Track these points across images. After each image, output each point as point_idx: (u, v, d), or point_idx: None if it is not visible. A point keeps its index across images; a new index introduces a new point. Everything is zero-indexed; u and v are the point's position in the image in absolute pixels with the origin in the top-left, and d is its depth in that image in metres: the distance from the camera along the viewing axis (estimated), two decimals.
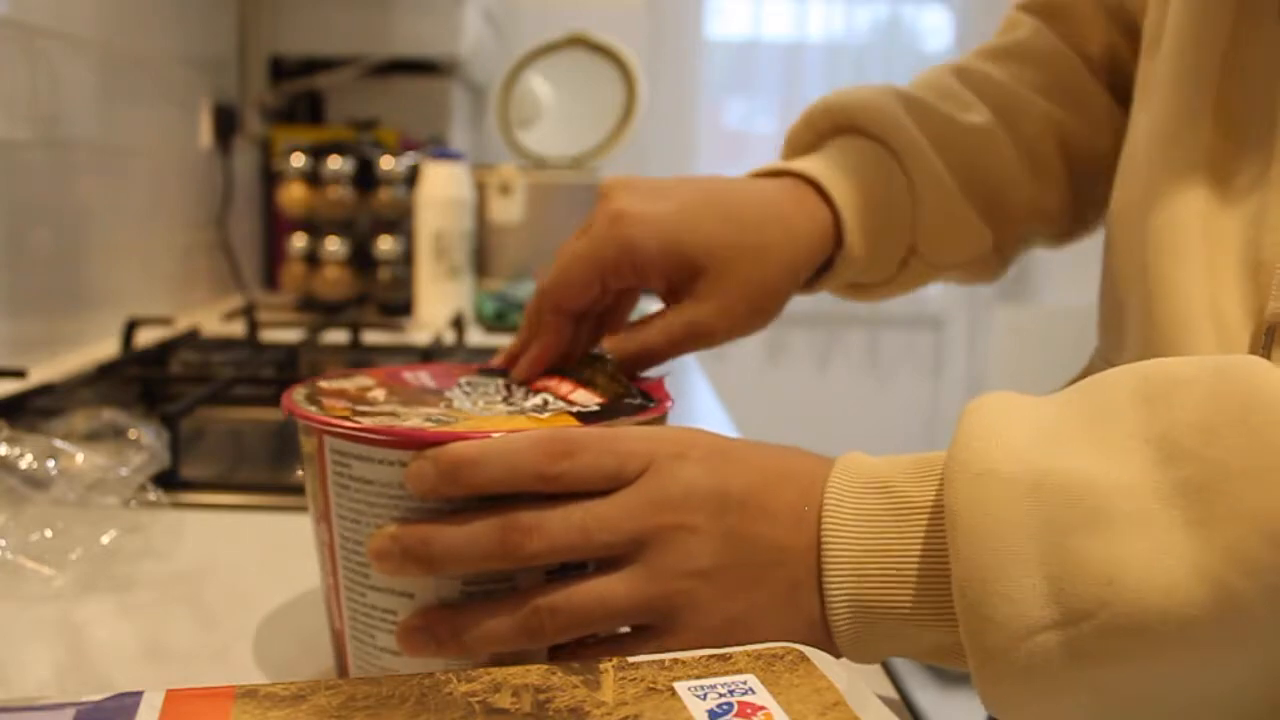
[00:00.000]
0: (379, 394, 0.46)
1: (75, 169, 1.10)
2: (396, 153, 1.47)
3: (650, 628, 0.39)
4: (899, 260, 0.60)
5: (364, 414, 0.42)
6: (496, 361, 0.53)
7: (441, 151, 1.40)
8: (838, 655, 0.40)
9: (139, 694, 0.30)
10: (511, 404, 0.46)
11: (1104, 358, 0.55)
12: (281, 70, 1.69)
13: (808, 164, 0.57)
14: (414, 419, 0.41)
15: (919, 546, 0.38)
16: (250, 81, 1.65)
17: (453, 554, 0.38)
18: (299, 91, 1.71)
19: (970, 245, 0.62)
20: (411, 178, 1.45)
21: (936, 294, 2.74)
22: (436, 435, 0.39)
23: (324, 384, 0.47)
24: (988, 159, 0.61)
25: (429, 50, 1.70)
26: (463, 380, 0.50)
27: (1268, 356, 0.42)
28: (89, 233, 1.13)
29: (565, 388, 0.49)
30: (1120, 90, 0.65)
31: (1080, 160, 0.65)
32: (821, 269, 0.57)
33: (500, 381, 0.51)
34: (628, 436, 0.40)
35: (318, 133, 1.62)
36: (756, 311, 0.54)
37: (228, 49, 1.60)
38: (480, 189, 1.57)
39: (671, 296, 0.53)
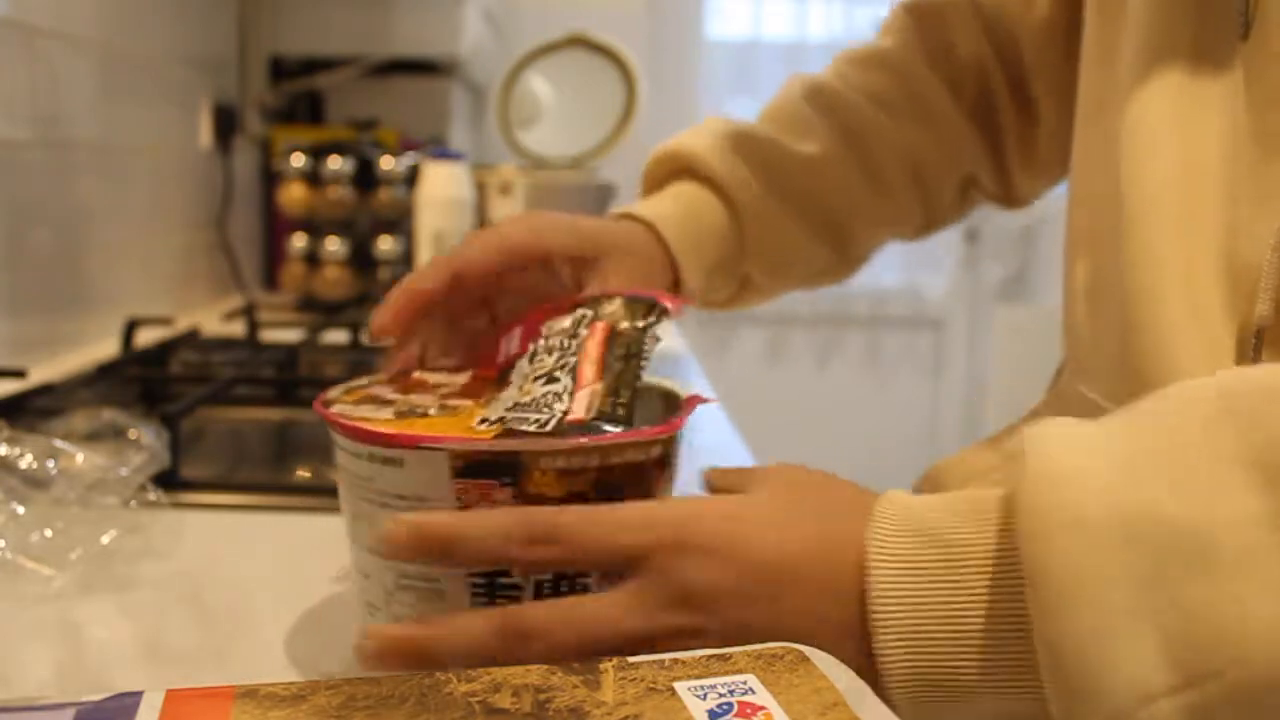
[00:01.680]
0: (437, 380, 0.49)
1: (75, 169, 1.10)
2: (396, 153, 1.47)
3: None
4: (737, 283, 0.67)
5: (371, 401, 0.44)
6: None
7: (441, 151, 1.40)
8: None
9: (139, 694, 0.30)
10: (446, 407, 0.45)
11: (1074, 369, 0.55)
12: (281, 70, 1.69)
13: (643, 208, 0.63)
14: (385, 412, 0.42)
15: (984, 606, 0.34)
16: (250, 81, 1.65)
17: (452, 652, 0.37)
18: (299, 91, 1.71)
19: (804, 265, 0.68)
20: (411, 178, 1.45)
21: (936, 294, 2.74)
22: (358, 429, 0.39)
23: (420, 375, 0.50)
24: (822, 185, 0.66)
25: (429, 50, 1.70)
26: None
27: (1257, 359, 0.42)
28: (89, 233, 1.13)
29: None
30: (979, 101, 0.69)
31: (929, 174, 0.69)
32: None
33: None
34: (620, 524, 0.37)
35: (318, 133, 1.62)
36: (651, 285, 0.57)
37: (228, 49, 1.60)
38: (480, 189, 1.57)
39: (575, 285, 0.56)
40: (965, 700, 0.34)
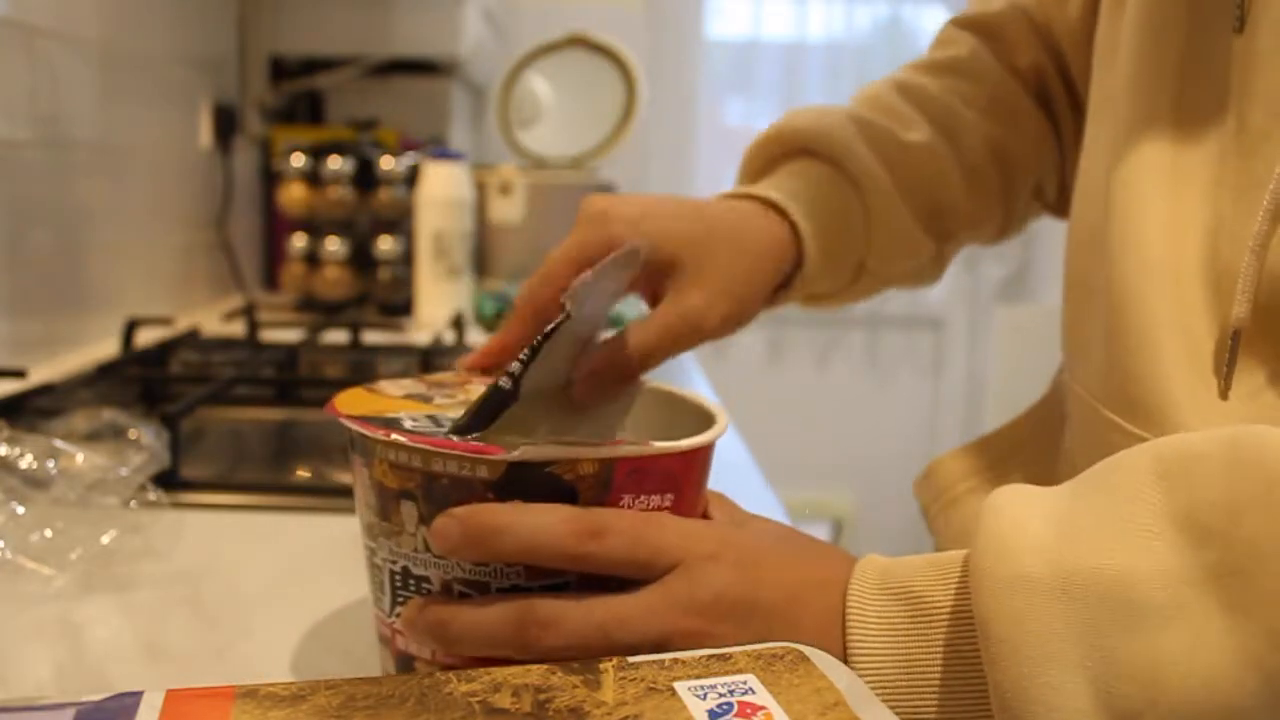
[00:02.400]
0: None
1: (75, 169, 1.09)
2: (396, 153, 1.47)
3: None
4: (851, 273, 0.64)
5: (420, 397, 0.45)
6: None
7: (441, 151, 1.40)
8: None
9: (139, 694, 0.30)
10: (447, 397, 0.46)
11: (1069, 368, 0.55)
12: (281, 70, 1.69)
13: (765, 188, 0.60)
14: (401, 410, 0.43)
15: (942, 655, 0.37)
16: (250, 81, 1.65)
17: (468, 638, 0.37)
18: (299, 91, 1.71)
19: (914, 257, 0.65)
20: (411, 178, 1.45)
21: (937, 294, 2.74)
22: (358, 422, 0.40)
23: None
24: (931, 175, 0.64)
25: (429, 50, 1.70)
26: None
27: (1234, 363, 0.42)
28: (89, 233, 1.13)
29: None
30: (1045, 108, 0.68)
31: (1014, 173, 0.68)
32: (781, 285, 0.60)
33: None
34: (662, 528, 0.39)
35: (318, 133, 1.62)
36: (738, 300, 0.54)
37: (228, 49, 1.60)
38: (480, 189, 1.57)
39: (652, 297, 0.54)
40: None
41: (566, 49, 1.72)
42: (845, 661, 0.37)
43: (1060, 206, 0.71)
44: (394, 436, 0.38)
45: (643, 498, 0.39)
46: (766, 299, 0.58)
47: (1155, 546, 0.32)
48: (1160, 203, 0.45)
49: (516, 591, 0.38)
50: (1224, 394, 0.43)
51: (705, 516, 0.44)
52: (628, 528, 0.38)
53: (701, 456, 0.42)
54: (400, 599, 0.40)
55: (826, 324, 2.74)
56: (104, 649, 0.47)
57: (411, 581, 0.39)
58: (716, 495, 0.45)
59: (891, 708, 0.35)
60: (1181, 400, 0.43)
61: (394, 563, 0.40)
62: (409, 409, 0.43)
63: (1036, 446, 0.62)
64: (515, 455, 0.37)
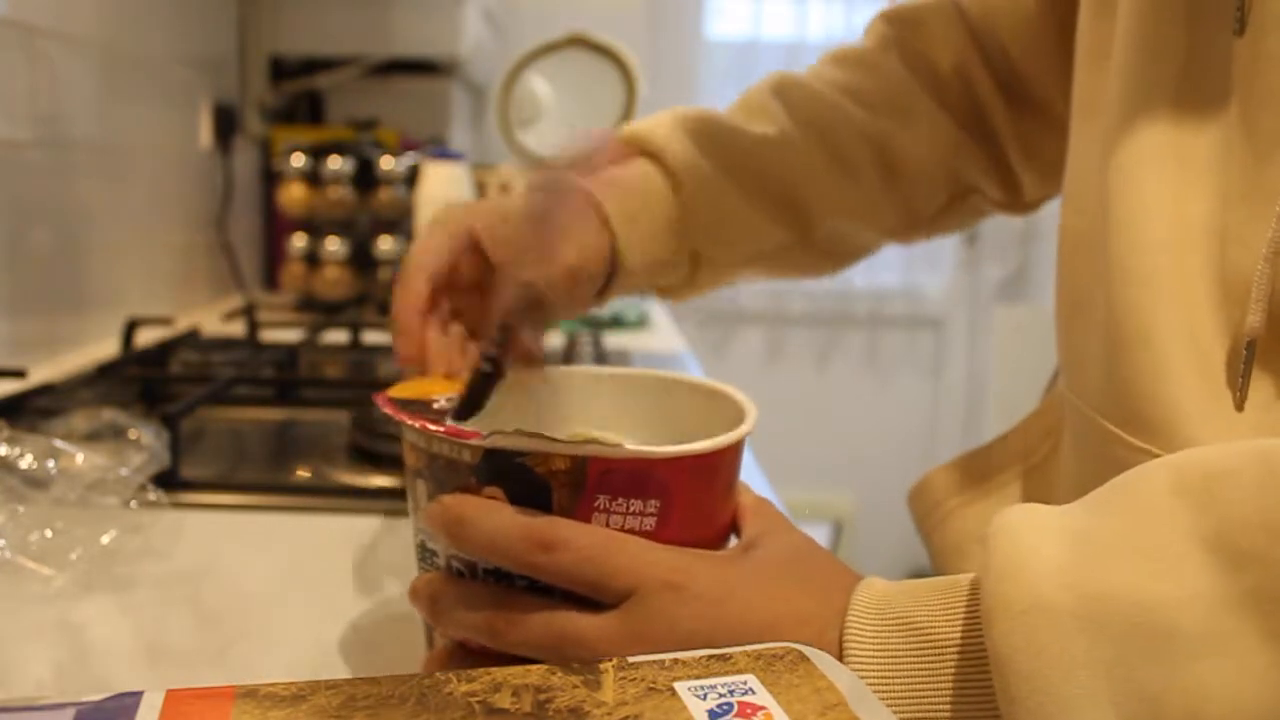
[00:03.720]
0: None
1: (75, 169, 1.09)
2: (396, 153, 1.47)
3: None
4: (689, 262, 0.67)
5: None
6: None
7: (441, 151, 1.40)
8: None
9: (139, 694, 0.30)
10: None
11: (1066, 382, 0.55)
12: (281, 70, 1.69)
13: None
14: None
15: (951, 690, 0.34)
16: (250, 81, 1.65)
17: (450, 617, 0.39)
18: (299, 91, 1.71)
19: (753, 241, 0.68)
20: (411, 178, 1.45)
21: (936, 294, 2.74)
22: (388, 404, 0.41)
23: None
24: (773, 162, 0.67)
25: (429, 50, 1.70)
26: None
27: (1249, 373, 0.41)
28: (89, 233, 1.13)
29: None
30: (968, 109, 0.70)
31: (907, 170, 0.69)
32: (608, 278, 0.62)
33: None
34: (621, 551, 0.37)
35: (318, 133, 1.62)
36: (574, 278, 0.56)
37: (228, 49, 1.60)
38: (480, 189, 1.57)
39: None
40: None
41: (566, 49, 1.71)
42: None
43: (1017, 203, 0.72)
44: (401, 418, 0.40)
45: (620, 500, 0.38)
46: (595, 299, 0.60)
47: (1184, 570, 0.30)
48: (1163, 209, 0.44)
49: (499, 577, 0.39)
50: (1240, 405, 0.41)
51: (735, 525, 0.42)
52: (584, 545, 0.37)
53: (692, 464, 0.39)
54: (421, 568, 0.42)
55: (826, 324, 2.74)
56: (104, 649, 0.47)
57: (426, 554, 0.41)
58: (758, 502, 0.43)
59: None
60: (1191, 412, 0.42)
61: (415, 536, 0.42)
62: (448, 390, 0.44)
63: (1032, 460, 0.61)
64: (483, 442, 0.38)
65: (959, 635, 0.34)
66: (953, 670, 0.34)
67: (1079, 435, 0.50)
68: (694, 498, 0.40)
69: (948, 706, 0.34)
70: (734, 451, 0.41)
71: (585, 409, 0.49)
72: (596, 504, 0.38)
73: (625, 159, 0.66)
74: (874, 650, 0.35)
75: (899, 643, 0.35)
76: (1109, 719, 0.30)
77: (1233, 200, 0.42)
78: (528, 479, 0.38)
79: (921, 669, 0.35)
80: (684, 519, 0.40)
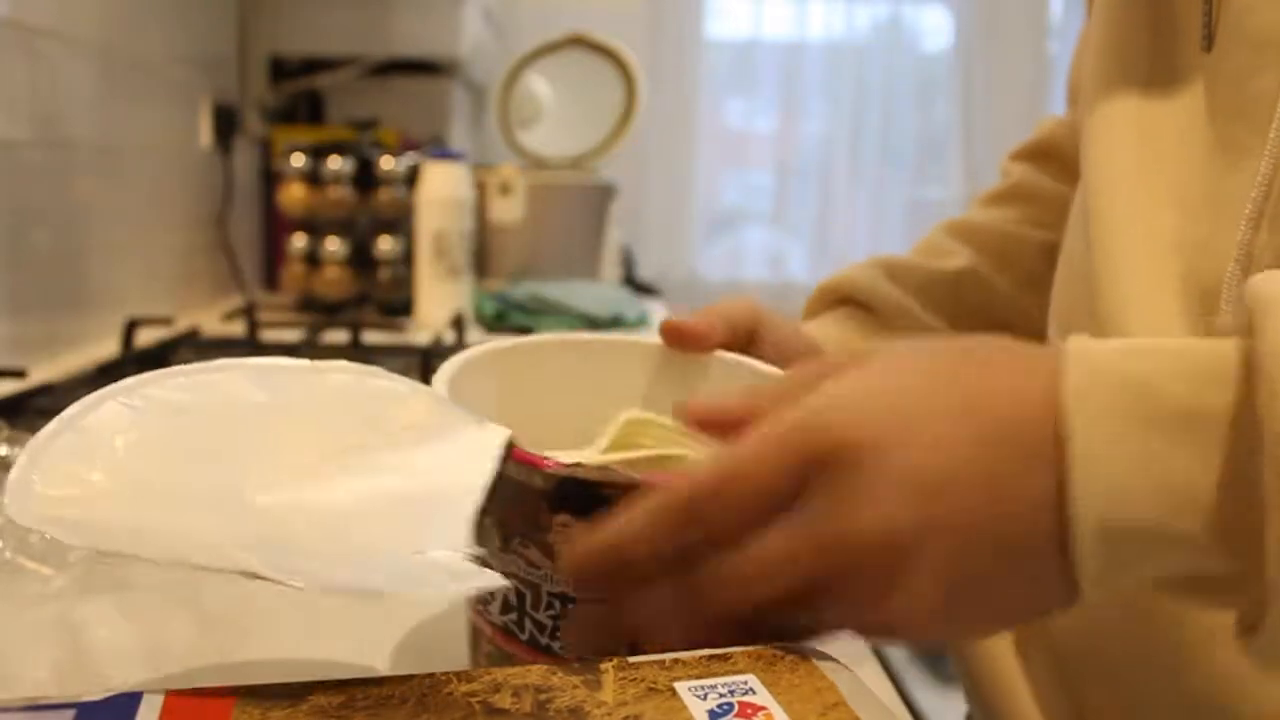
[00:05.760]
0: None
1: (75, 169, 1.09)
2: (396, 153, 1.47)
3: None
4: None
5: None
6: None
7: (441, 151, 1.40)
8: (1067, 603, 0.33)
9: (139, 694, 0.30)
10: None
11: None
12: (281, 70, 1.69)
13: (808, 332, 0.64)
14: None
15: (1212, 458, 0.30)
16: (250, 81, 1.65)
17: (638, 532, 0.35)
18: (299, 91, 1.71)
19: None
20: (411, 178, 1.45)
21: None
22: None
23: None
24: (973, 293, 0.68)
25: (429, 50, 1.70)
26: None
27: None
28: (89, 233, 1.13)
29: None
30: None
31: None
32: None
33: None
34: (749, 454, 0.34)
35: (318, 133, 1.62)
36: None
37: (228, 49, 1.60)
38: (480, 189, 1.57)
39: None
40: (1162, 558, 0.31)
41: (566, 49, 1.72)
42: (1064, 482, 0.31)
43: None
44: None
45: None
46: None
47: None
48: (1134, 221, 0.45)
49: (565, 600, 0.38)
50: None
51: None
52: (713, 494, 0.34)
53: None
54: (481, 611, 0.41)
55: None
56: (104, 649, 0.47)
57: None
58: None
59: (1122, 519, 0.31)
60: None
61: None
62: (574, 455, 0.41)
63: None
64: (565, 471, 0.37)
65: (1225, 407, 0.31)
66: (1217, 441, 0.30)
67: None
68: None
69: (1209, 478, 0.30)
70: None
71: (630, 383, 0.48)
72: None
73: (826, 307, 0.68)
74: (1106, 415, 0.31)
75: (1137, 409, 0.31)
76: None
77: (1201, 209, 0.43)
78: (604, 508, 0.37)
79: (1173, 440, 0.31)
80: None
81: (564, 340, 0.50)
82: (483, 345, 0.48)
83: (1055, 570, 0.32)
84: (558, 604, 0.38)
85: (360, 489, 0.36)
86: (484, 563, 0.38)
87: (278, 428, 0.38)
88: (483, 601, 0.41)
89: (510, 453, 0.37)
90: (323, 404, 0.39)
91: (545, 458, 0.37)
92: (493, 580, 0.33)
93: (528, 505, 0.38)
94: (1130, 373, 0.32)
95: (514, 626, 0.40)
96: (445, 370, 0.44)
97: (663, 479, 0.36)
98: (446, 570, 0.33)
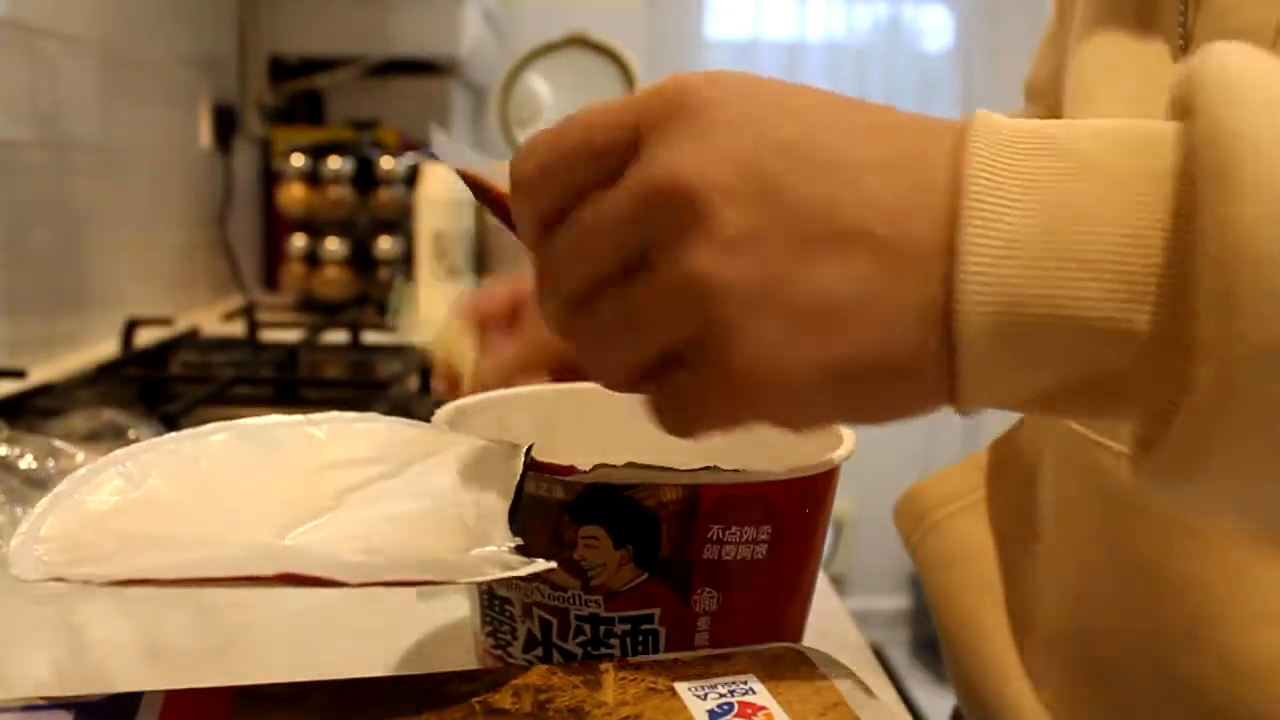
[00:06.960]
0: None
1: (75, 169, 1.09)
2: (396, 153, 1.47)
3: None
4: None
5: None
6: None
7: None
8: (943, 401, 0.29)
9: (139, 694, 0.30)
10: None
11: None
12: (281, 70, 1.69)
13: None
14: None
15: (1105, 211, 0.27)
16: (250, 81, 1.65)
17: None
18: (299, 91, 1.71)
19: None
20: (411, 178, 1.45)
21: None
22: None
23: None
24: None
25: (429, 50, 1.70)
26: None
27: None
28: (89, 233, 1.13)
29: None
30: None
31: None
32: None
33: None
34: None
35: (318, 133, 1.62)
36: None
37: (228, 49, 1.60)
38: None
39: None
40: (1054, 350, 0.28)
41: (566, 49, 1.71)
42: (956, 208, 0.27)
43: None
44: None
45: (734, 529, 0.35)
46: None
47: None
48: None
49: (596, 623, 0.36)
50: None
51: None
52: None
53: (805, 486, 0.37)
54: (487, 617, 0.39)
55: None
56: (104, 649, 0.47)
57: (495, 601, 0.38)
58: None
59: (1022, 284, 0.27)
60: None
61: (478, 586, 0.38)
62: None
63: (1016, 471, 0.61)
64: (586, 477, 0.34)
65: (1120, 161, 0.27)
66: (1101, 192, 0.27)
67: (1061, 441, 0.51)
68: (802, 522, 0.38)
69: (1095, 230, 0.27)
70: (837, 471, 0.39)
71: (628, 431, 0.44)
72: (709, 534, 0.35)
73: None
74: (1010, 170, 0.28)
75: (1051, 165, 0.28)
76: None
77: None
78: (634, 514, 0.35)
79: (1086, 191, 0.27)
80: (792, 546, 0.37)
81: (558, 390, 0.48)
82: (477, 395, 0.46)
83: (924, 301, 0.28)
84: (588, 628, 0.36)
85: (387, 512, 0.35)
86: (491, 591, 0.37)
87: (288, 475, 0.37)
88: (500, 645, 0.39)
89: (529, 464, 0.35)
90: (328, 449, 0.38)
91: (568, 466, 0.35)
92: (542, 565, 0.32)
93: (549, 521, 0.35)
94: (1045, 129, 0.28)
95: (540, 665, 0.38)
96: (440, 416, 0.42)
97: (710, 479, 0.34)
98: (496, 562, 0.32)
